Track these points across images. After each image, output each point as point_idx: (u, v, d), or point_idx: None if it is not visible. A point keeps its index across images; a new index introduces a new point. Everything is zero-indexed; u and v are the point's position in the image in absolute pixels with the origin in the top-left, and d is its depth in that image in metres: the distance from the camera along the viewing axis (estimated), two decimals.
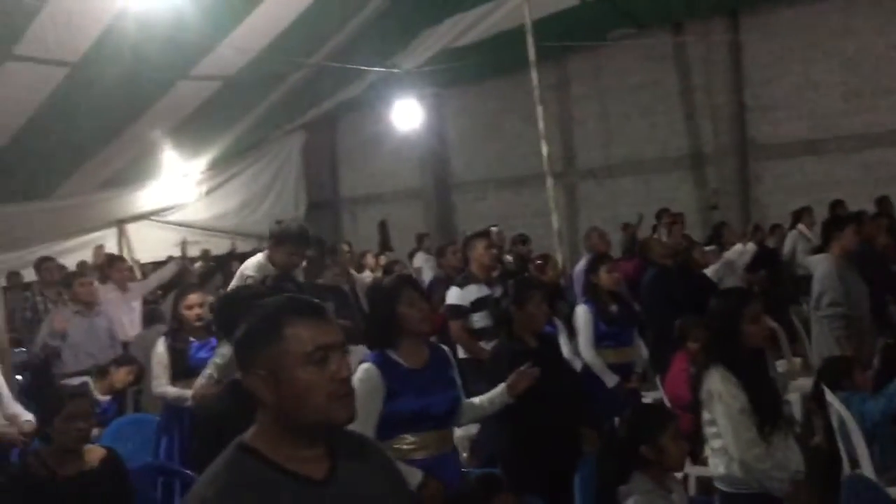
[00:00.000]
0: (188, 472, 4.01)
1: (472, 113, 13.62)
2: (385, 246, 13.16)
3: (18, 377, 5.93)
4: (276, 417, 1.52)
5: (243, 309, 2.54)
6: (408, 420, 2.92)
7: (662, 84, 11.85)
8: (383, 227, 14.19)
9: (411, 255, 11.20)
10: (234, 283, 4.67)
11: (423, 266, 10.25)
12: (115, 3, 7.25)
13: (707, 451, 3.22)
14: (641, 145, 12.08)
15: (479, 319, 5.19)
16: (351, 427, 1.59)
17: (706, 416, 3.06)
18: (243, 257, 6.22)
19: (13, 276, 9.88)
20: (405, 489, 1.72)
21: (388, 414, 2.89)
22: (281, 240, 4.49)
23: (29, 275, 10.29)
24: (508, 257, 8.13)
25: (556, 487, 3.32)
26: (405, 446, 2.94)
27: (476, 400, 3.27)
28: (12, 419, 4.23)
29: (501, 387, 3.22)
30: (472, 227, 7.51)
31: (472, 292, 5.23)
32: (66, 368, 5.83)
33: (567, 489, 3.28)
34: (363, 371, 2.92)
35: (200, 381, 3.90)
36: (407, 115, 10.98)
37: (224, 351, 4.38)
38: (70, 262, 9.87)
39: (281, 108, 11.65)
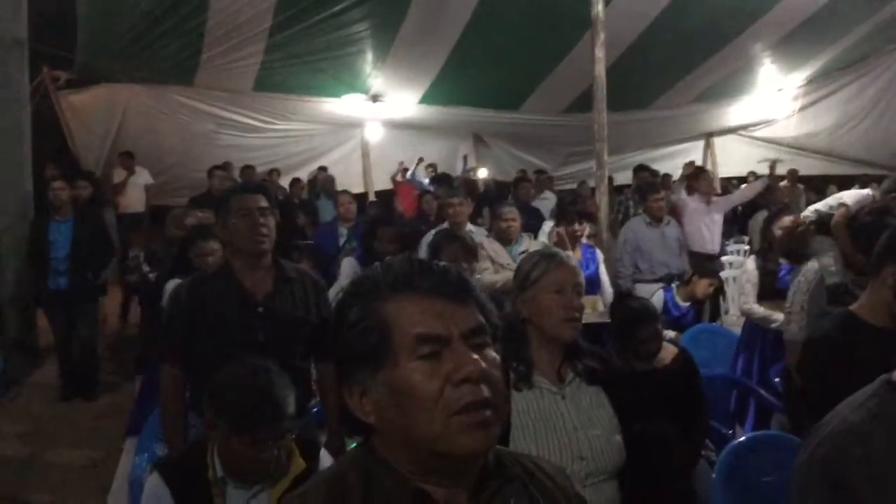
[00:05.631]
0: (763, 392, 4.09)
1: None
2: None
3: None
4: None
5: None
6: None
7: None
8: None
9: None
10: (821, 206, 4.49)
11: None
12: None
13: None
14: None
15: None
16: None
17: None
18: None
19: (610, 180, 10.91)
20: None
21: None
22: None
23: (621, 178, 11.35)
24: None
25: None
26: None
27: None
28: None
29: None
30: None
31: None
32: (643, 276, 6.23)
33: None
34: None
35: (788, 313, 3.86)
36: None
37: (803, 278, 4.24)
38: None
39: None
